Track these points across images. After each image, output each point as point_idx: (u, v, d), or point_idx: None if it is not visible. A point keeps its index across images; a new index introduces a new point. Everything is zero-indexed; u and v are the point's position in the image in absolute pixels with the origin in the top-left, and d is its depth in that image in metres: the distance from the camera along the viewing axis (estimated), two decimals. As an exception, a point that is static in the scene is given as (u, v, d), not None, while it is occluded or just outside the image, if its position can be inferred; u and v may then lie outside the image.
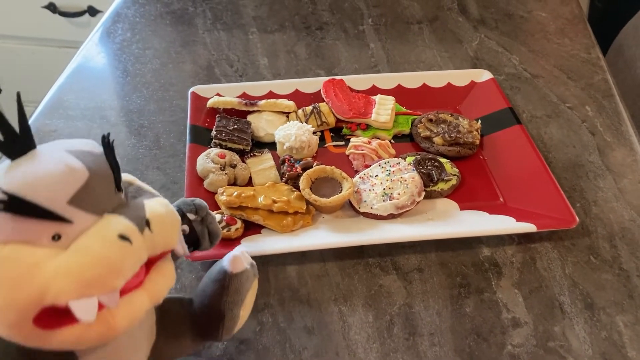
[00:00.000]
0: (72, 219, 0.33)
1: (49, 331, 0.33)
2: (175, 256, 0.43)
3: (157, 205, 0.37)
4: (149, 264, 0.37)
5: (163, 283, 0.38)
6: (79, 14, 1.49)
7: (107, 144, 0.36)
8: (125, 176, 0.40)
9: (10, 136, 0.34)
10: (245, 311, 0.49)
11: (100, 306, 0.33)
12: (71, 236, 0.34)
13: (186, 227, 0.46)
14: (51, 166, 0.34)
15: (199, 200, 0.48)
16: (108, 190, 0.36)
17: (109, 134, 0.37)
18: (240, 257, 0.47)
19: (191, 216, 0.47)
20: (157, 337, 0.45)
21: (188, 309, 0.48)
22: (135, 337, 0.42)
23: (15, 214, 0.32)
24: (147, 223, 0.36)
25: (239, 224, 0.64)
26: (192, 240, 0.48)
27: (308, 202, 0.66)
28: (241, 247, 0.60)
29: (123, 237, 0.34)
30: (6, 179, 0.33)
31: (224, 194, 0.65)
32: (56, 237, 0.33)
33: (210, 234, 0.49)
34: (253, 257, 0.61)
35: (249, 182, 0.72)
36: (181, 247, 0.41)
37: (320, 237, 0.64)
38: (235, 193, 0.65)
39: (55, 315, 0.33)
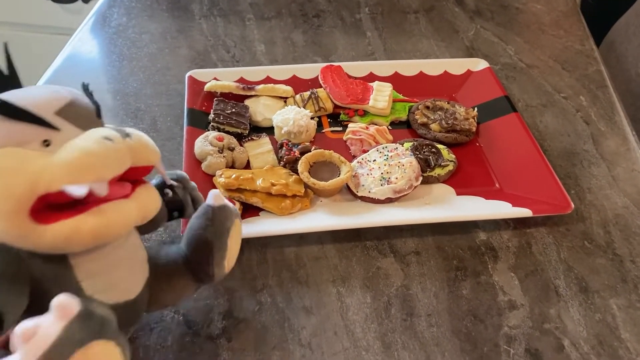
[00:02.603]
0: (60, 128, 0.37)
1: (44, 225, 0.35)
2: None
3: (136, 130, 0.41)
4: (135, 182, 0.41)
5: (150, 199, 0.42)
6: (72, 0, 1.48)
7: (86, 89, 0.41)
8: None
9: None
10: (232, 242, 0.49)
11: (92, 202, 0.37)
12: (59, 144, 0.37)
13: (169, 191, 0.50)
14: (38, 89, 0.39)
15: (180, 171, 0.52)
16: (90, 113, 0.40)
17: (88, 83, 0.42)
18: (220, 194, 0.49)
19: (173, 183, 0.50)
20: (150, 274, 0.46)
21: (177, 250, 0.49)
22: (129, 263, 0.44)
23: (7, 117, 0.36)
24: (128, 135, 0.39)
25: (238, 205, 0.63)
26: (177, 207, 0.52)
27: (306, 186, 0.67)
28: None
29: (107, 138, 0.37)
30: None
31: (223, 176, 0.65)
32: (46, 143, 0.37)
33: (193, 200, 0.52)
34: (252, 239, 0.62)
35: (247, 166, 0.71)
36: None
37: (318, 219, 0.64)
38: (234, 175, 0.65)
39: (50, 211, 0.36)
